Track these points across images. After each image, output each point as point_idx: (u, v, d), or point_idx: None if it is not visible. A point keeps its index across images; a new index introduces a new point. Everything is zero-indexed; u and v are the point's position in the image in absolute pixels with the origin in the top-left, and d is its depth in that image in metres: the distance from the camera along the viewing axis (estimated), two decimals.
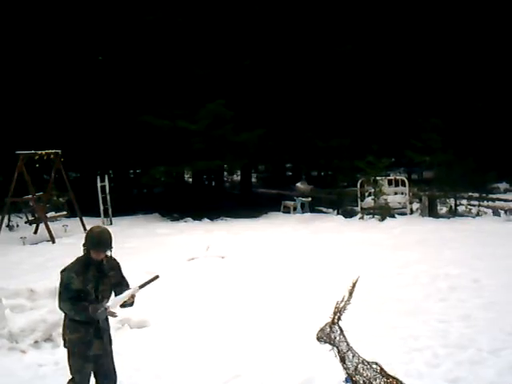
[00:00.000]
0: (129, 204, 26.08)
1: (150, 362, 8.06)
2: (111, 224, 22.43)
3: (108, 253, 6.11)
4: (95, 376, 6.23)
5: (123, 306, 6.16)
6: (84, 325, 5.98)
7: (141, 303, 9.99)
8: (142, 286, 6.11)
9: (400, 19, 30.29)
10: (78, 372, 6.07)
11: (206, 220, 23.02)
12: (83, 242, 6.02)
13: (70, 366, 6.12)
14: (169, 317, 9.81)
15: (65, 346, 6.19)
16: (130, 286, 6.19)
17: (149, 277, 6.21)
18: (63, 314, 6.13)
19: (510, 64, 32.26)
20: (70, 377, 6.13)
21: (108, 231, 6.13)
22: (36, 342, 8.89)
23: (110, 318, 6.21)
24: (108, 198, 23.02)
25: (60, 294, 5.98)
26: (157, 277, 6.26)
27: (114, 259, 6.28)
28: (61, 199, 22.38)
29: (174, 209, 24.43)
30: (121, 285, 6.25)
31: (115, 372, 6.35)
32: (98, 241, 5.98)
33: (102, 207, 22.94)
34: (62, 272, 6.06)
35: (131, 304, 6.22)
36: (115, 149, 26.12)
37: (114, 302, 6.03)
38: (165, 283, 11.61)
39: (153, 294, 10.51)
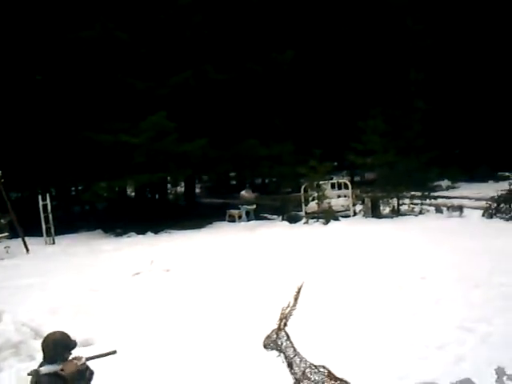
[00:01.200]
0: (71, 222, 25.70)
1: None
2: (54, 243, 22.10)
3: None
4: None
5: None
6: None
7: (85, 321, 9.90)
8: (91, 358, 5.67)
9: (336, 24, 30.63)
10: None
11: (149, 234, 22.80)
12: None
13: None
14: (114, 333, 9.61)
15: None
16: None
17: (104, 350, 5.77)
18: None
19: (449, 60, 32.98)
20: None
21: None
22: None
23: None
24: (50, 216, 22.59)
25: None
26: (113, 352, 5.86)
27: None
28: (2, 220, 21.89)
29: (118, 224, 24.12)
30: None
31: None
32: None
33: (44, 226, 22.51)
34: None
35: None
36: (56, 166, 25.63)
37: (47, 369, 5.22)
38: (109, 299, 11.51)
39: (97, 311, 10.38)
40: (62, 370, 5.25)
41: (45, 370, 5.24)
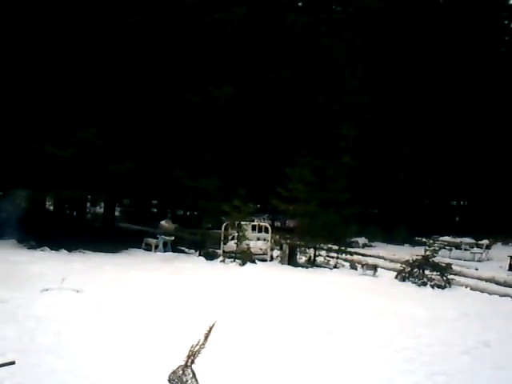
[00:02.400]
0: None
1: None
2: None
3: None
4: None
5: None
6: None
7: None
8: None
9: (276, 69, 31.02)
10: None
11: (63, 251, 22.40)
12: None
13: None
14: (17, 346, 9.35)
15: None
16: None
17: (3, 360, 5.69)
18: None
19: (381, 119, 33.82)
20: None
21: None
22: None
23: None
24: None
25: None
26: (12, 362, 5.77)
27: None
28: None
29: (32, 236, 23.63)
30: None
31: None
32: None
33: None
34: None
35: None
36: None
37: None
38: (15, 312, 11.23)
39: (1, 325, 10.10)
40: None
41: None
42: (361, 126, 35.10)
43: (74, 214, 32.11)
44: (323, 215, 23.28)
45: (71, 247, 22.74)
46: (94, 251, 22.90)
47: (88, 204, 35.82)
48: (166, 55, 25.69)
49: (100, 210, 38.19)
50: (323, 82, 34.77)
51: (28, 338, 9.84)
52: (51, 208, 31.95)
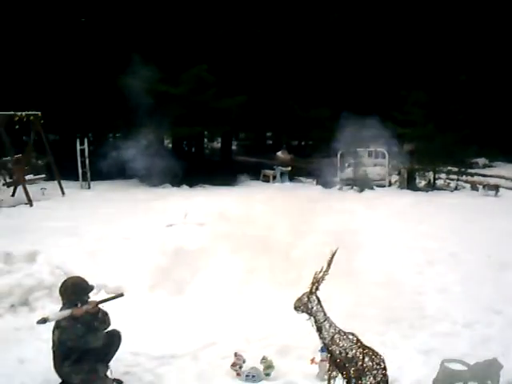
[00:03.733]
0: (107, 168, 25.86)
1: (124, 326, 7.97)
2: (89, 188, 22.40)
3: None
4: None
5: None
6: None
7: (117, 270, 10.02)
8: (100, 302, 5.96)
9: None
10: None
11: (184, 186, 22.94)
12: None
13: None
14: (145, 283, 9.75)
15: None
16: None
17: (113, 293, 6.08)
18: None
19: (494, 39, 32.40)
20: None
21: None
22: (12, 305, 8.81)
23: None
24: (87, 161, 22.86)
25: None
26: (121, 295, 6.12)
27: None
28: (40, 162, 22.08)
29: (153, 174, 24.23)
30: None
31: None
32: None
33: (80, 171, 22.83)
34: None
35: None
36: (95, 111, 25.82)
37: (56, 315, 5.83)
38: (141, 248, 11.62)
39: (129, 260, 10.49)
40: (72, 314, 5.54)
41: (53, 316, 5.54)
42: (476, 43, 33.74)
43: (193, 150, 32.66)
44: (441, 137, 22.74)
45: (192, 182, 23.26)
46: (214, 185, 23.34)
47: (205, 140, 36.29)
48: None
49: (217, 144, 38.64)
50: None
51: (160, 273, 10.17)
52: (170, 146, 32.57)
